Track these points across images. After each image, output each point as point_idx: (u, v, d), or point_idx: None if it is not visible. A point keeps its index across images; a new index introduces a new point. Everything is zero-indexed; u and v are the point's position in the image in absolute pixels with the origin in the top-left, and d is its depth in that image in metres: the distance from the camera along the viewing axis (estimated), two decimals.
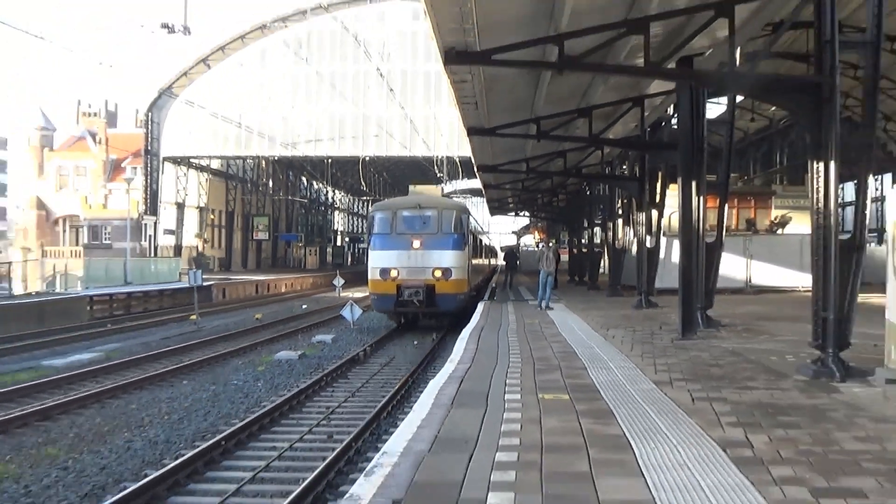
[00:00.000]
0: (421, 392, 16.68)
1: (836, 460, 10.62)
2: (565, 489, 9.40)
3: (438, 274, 40.87)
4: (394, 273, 40.94)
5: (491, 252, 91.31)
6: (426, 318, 44.59)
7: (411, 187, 58.18)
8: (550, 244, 62.25)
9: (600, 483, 9.59)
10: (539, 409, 14.15)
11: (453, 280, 41.53)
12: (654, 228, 39.03)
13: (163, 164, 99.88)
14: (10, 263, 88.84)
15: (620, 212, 51.06)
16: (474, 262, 54.72)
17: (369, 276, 43.81)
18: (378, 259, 42.50)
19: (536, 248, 72.05)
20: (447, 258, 41.59)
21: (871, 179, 19.35)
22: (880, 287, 17.31)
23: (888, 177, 64.96)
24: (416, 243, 41.21)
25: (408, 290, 40.41)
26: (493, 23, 20.62)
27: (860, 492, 9.26)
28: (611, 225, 54.59)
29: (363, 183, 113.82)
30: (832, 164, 17.54)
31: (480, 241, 71.19)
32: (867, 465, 10.39)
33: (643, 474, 9.93)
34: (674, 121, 35.17)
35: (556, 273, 48.71)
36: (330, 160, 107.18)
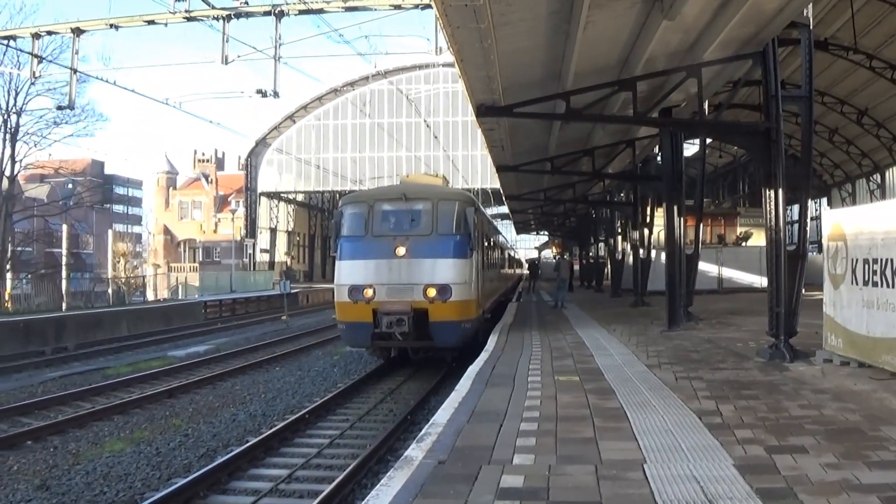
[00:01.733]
0: (462, 375, 16.60)
1: (785, 424, 10.70)
2: (575, 451, 9.46)
3: (433, 293, 23.92)
4: (368, 292, 24.09)
5: (516, 263, 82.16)
6: (417, 354, 26.98)
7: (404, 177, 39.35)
8: (565, 256, 61.89)
9: (603, 446, 9.66)
10: (555, 388, 14.22)
11: (455, 302, 23.94)
12: (645, 243, 38.98)
13: (259, 198, 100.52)
14: (144, 276, 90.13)
15: (619, 230, 51.01)
16: (491, 273, 35.43)
17: (335, 297, 25.95)
18: (346, 272, 25.11)
19: (553, 260, 70.75)
20: (445, 270, 24.29)
21: (810, 203, 19.40)
22: (819, 286, 17.38)
23: (824, 200, 64.85)
24: (401, 250, 24.29)
25: (388, 316, 23.61)
26: (514, 84, 20.68)
27: (802, 448, 9.34)
28: (612, 240, 54.50)
29: None
30: (780, 191, 17.91)
31: (501, 247, 49.08)
32: (808, 426, 10.48)
33: (636, 438, 9.96)
34: (658, 158, 35.10)
35: (570, 280, 48.51)
36: None
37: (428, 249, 24.23)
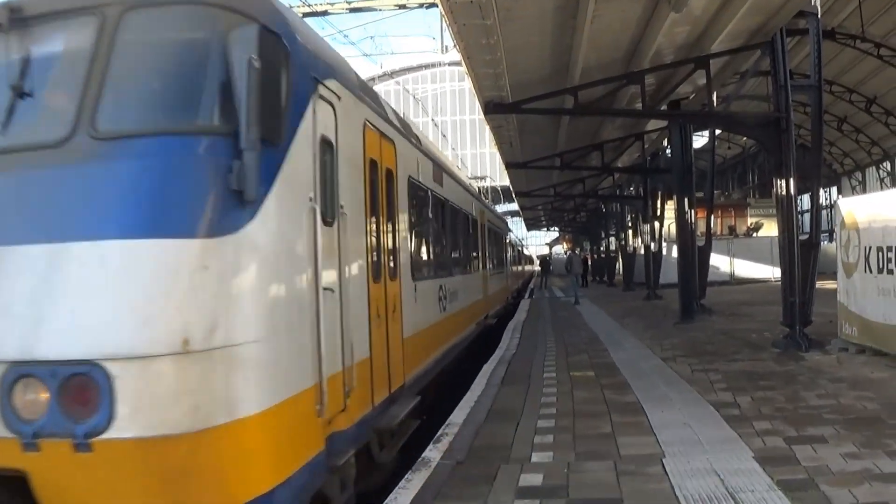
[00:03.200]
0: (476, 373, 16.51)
1: (804, 414, 10.65)
2: (593, 447, 9.40)
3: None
4: None
5: (524, 259, 78.11)
6: None
7: None
8: (577, 251, 61.83)
9: (621, 441, 9.62)
10: (570, 384, 14.16)
11: (140, 452, 5.49)
12: (656, 236, 38.95)
13: None
14: None
15: (629, 224, 51.02)
16: (447, 284, 16.66)
17: None
18: None
19: (565, 255, 70.45)
20: (105, 294, 5.63)
21: (821, 191, 19.43)
22: (829, 276, 17.43)
23: (834, 189, 64.73)
24: None
25: None
26: (521, 81, 20.67)
27: (822, 438, 9.29)
28: (622, 234, 54.50)
29: None
30: (792, 181, 17.80)
31: (493, 231, 31.04)
32: (827, 416, 10.45)
33: (654, 433, 9.94)
34: (668, 151, 35.09)
35: (585, 274, 48.46)
36: None
37: (51, 204, 6.17)
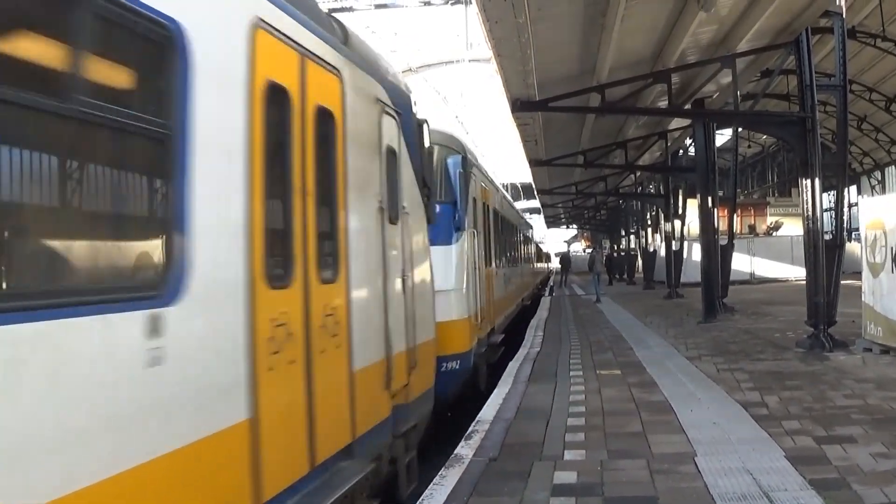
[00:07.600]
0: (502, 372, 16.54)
1: (831, 414, 10.62)
2: (625, 445, 9.39)
3: None
4: None
5: (545, 257, 78.08)
6: None
7: None
8: (599, 249, 61.77)
9: (652, 439, 9.60)
10: (597, 382, 14.16)
11: None
12: (678, 234, 38.89)
13: None
14: None
15: (650, 222, 50.98)
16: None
17: None
18: None
19: (585, 253, 70.48)
20: None
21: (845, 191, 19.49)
22: (851, 275, 17.37)
23: (853, 188, 64.37)
24: None
25: None
26: (549, 79, 20.66)
27: (851, 438, 9.27)
28: (643, 233, 54.46)
29: None
30: (817, 180, 17.82)
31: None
32: (855, 416, 10.41)
33: (684, 431, 9.92)
34: (691, 150, 35.08)
35: (610, 272, 48.44)
36: None
37: None
